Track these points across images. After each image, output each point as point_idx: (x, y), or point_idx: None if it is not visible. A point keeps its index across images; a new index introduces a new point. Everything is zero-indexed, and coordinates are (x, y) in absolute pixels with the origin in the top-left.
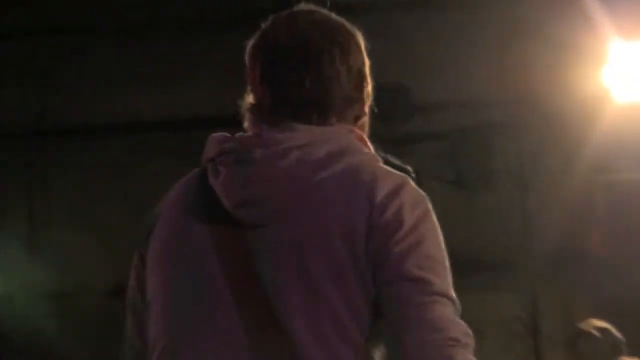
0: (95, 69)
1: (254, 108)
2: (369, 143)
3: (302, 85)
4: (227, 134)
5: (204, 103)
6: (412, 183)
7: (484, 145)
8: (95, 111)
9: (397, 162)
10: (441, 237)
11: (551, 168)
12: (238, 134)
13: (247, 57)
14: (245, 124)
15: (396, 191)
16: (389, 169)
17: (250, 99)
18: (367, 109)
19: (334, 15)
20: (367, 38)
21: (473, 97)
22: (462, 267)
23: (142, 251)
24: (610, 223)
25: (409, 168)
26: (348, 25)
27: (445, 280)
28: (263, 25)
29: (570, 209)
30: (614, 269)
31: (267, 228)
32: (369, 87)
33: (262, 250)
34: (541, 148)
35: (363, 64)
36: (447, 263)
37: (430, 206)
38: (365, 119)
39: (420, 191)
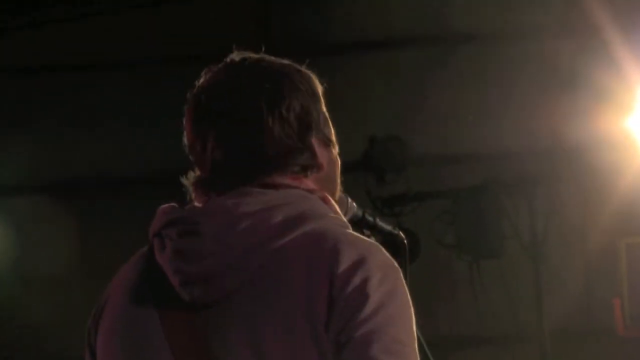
0: None
1: (198, 178)
2: (334, 204)
3: (231, 145)
4: (175, 205)
5: None
6: (382, 251)
7: (490, 205)
8: None
9: (386, 226)
10: (412, 315)
11: (567, 230)
12: (190, 205)
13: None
14: (193, 196)
15: (361, 262)
16: (357, 235)
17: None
18: (326, 160)
19: (269, 60)
20: (364, 86)
21: (479, 151)
22: (466, 343)
23: (90, 341)
24: (636, 295)
25: (400, 234)
26: (288, 69)
27: None
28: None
29: (589, 278)
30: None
31: (217, 308)
32: (330, 135)
33: (214, 334)
34: (556, 207)
35: (307, 110)
36: (414, 345)
37: (401, 278)
38: (329, 172)
39: (391, 261)
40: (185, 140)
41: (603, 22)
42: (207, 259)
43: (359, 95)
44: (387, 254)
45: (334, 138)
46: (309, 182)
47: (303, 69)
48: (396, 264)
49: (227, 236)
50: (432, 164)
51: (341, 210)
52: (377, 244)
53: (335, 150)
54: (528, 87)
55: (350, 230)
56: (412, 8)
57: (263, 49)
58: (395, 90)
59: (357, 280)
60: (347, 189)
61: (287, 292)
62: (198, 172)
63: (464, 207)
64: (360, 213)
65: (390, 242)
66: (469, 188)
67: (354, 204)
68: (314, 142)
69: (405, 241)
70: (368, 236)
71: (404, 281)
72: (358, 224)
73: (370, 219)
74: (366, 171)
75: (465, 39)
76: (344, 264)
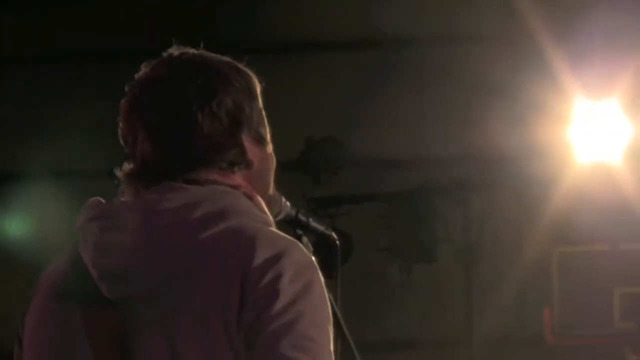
0: None
1: (128, 170)
2: (260, 201)
3: (160, 139)
4: (101, 199)
5: None
6: (301, 249)
7: (424, 210)
8: None
9: (319, 227)
10: (326, 315)
11: (500, 237)
12: (116, 199)
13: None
14: (123, 189)
15: (276, 258)
16: (276, 232)
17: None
18: (257, 158)
19: (206, 56)
20: (302, 87)
21: (415, 155)
22: (396, 345)
23: (19, 333)
24: (566, 304)
25: (333, 235)
26: (224, 65)
27: None
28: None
29: (521, 286)
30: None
31: (135, 303)
32: (265, 134)
33: (131, 330)
34: (490, 214)
35: (239, 106)
36: (328, 345)
37: (317, 277)
38: (261, 170)
39: (309, 259)
40: (119, 132)
41: (540, 31)
42: (126, 254)
43: (297, 96)
44: (306, 252)
45: (268, 136)
46: (237, 178)
47: (241, 66)
48: (314, 263)
49: (146, 232)
50: (369, 167)
51: (274, 209)
52: (296, 241)
53: (269, 148)
54: (464, 93)
55: (272, 228)
56: (351, 10)
57: (202, 45)
58: (334, 92)
59: (269, 276)
60: (283, 189)
61: (202, 288)
62: (130, 165)
63: (398, 211)
64: (293, 212)
65: (322, 243)
66: (404, 192)
67: (288, 203)
68: (245, 139)
69: (338, 242)
70: (300, 236)
71: (321, 280)
72: (291, 223)
73: (303, 218)
74: (302, 172)
75: (402, 43)
76: (258, 259)
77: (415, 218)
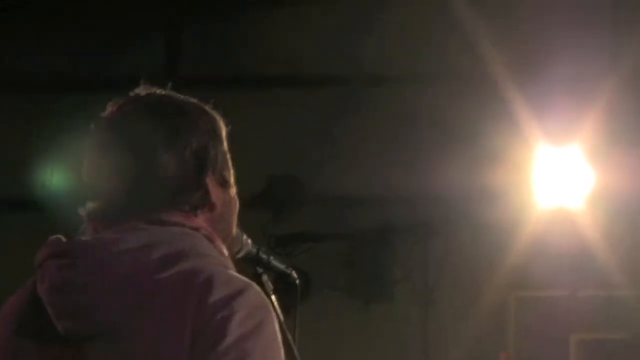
0: None
1: (91, 209)
2: (220, 243)
3: (124, 179)
4: (61, 237)
5: None
6: (256, 291)
7: (384, 250)
8: None
9: (280, 265)
10: (276, 356)
11: (459, 279)
12: (76, 238)
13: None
14: (85, 227)
15: (229, 298)
16: (233, 274)
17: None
18: (221, 200)
19: (173, 97)
20: (265, 123)
21: (377, 195)
22: None
23: None
24: (523, 349)
25: (293, 274)
26: (190, 107)
27: None
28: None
29: (478, 329)
30: None
31: (90, 342)
32: (229, 176)
33: None
34: (449, 256)
35: (204, 149)
36: None
37: (270, 319)
38: (224, 212)
39: (262, 301)
40: (83, 170)
41: (503, 77)
42: (82, 293)
43: (260, 132)
44: (261, 294)
45: (232, 179)
46: (198, 221)
47: (207, 108)
48: (268, 306)
49: (103, 272)
50: (329, 205)
51: (236, 246)
52: (254, 284)
53: (233, 191)
54: (427, 134)
55: (230, 271)
56: (317, 48)
57: (170, 85)
58: (297, 128)
59: (221, 314)
60: (243, 225)
61: (157, 329)
62: (93, 203)
63: (357, 250)
64: (254, 250)
65: (282, 281)
66: (364, 231)
67: (249, 241)
68: (209, 181)
69: (298, 281)
70: (260, 274)
71: (273, 323)
72: (252, 261)
73: (265, 257)
74: (263, 209)
75: (367, 82)
76: (213, 298)
77: (374, 257)
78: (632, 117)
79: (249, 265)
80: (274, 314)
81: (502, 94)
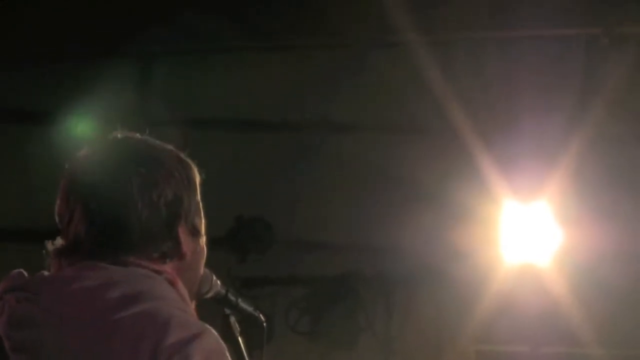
0: None
1: (59, 246)
2: (181, 287)
3: (95, 223)
4: (22, 272)
5: None
6: (213, 336)
7: (347, 297)
8: None
9: (247, 307)
10: None
11: (422, 331)
12: (39, 273)
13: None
14: (52, 263)
15: (186, 342)
16: (190, 318)
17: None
18: (190, 249)
19: (150, 143)
20: (233, 165)
21: (343, 242)
22: None
23: None
24: None
25: (261, 316)
26: (167, 155)
27: None
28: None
29: None
30: None
31: None
32: (200, 226)
33: None
34: (412, 308)
35: (179, 199)
36: None
37: None
38: (192, 261)
39: (218, 347)
40: (56, 209)
41: (469, 134)
42: (38, 328)
43: (228, 173)
44: (219, 340)
45: (203, 229)
46: (164, 266)
47: (182, 156)
48: (225, 352)
49: (60, 308)
50: (296, 249)
51: (204, 287)
52: (210, 328)
53: (203, 240)
54: (395, 186)
55: (188, 315)
56: (292, 90)
57: (147, 131)
58: (265, 170)
59: (176, 358)
60: (209, 266)
61: None
62: (61, 241)
63: (321, 296)
64: (223, 291)
65: (249, 324)
66: (329, 277)
67: (219, 282)
68: (181, 231)
69: (265, 324)
70: (228, 315)
71: None
72: (220, 302)
73: (233, 298)
74: (229, 250)
75: (336, 130)
76: (168, 342)
77: (338, 304)
78: (597, 175)
79: (217, 306)
80: (228, 358)
81: (470, 152)
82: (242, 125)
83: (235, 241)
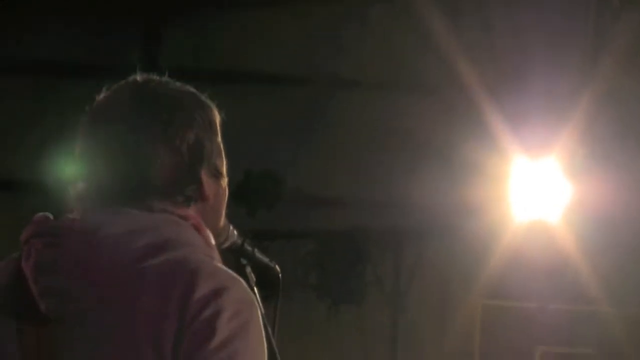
0: None
1: (80, 190)
2: (208, 234)
3: (119, 166)
4: (49, 215)
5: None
6: (242, 286)
7: (356, 252)
8: None
9: (264, 258)
10: (262, 354)
11: (430, 287)
12: (63, 217)
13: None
14: (73, 207)
15: (216, 294)
16: (219, 266)
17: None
18: (213, 191)
19: (171, 86)
20: (244, 118)
21: (353, 198)
22: None
23: None
24: (491, 356)
25: (276, 268)
26: (188, 97)
27: None
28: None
29: (444, 336)
30: None
31: (70, 324)
32: (221, 167)
33: (63, 347)
34: (421, 262)
35: (200, 142)
36: None
37: (256, 316)
38: (215, 203)
39: (249, 298)
40: (76, 150)
41: (479, 91)
42: (65, 273)
43: (240, 126)
44: (247, 290)
45: (224, 170)
46: (189, 210)
47: (203, 98)
48: (254, 301)
49: (87, 254)
50: (305, 204)
51: (222, 237)
52: (239, 278)
53: (225, 182)
54: (404, 143)
55: (216, 262)
56: (299, 46)
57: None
58: (278, 126)
59: (208, 312)
60: None
61: (139, 318)
62: (83, 185)
63: (330, 250)
64: (239, 241)
65: (264, 275)
66: (338, 232)
67: (235, 232)
68: (203, 173)
69: (280, 276)
70: (245, 265)
71: (259, 319)
72: (236, 252)
73: (249, 249)
74: (238, 204)
75: (347, 84)
76: (199, 293)
77: (347, 259)
78: (608, 130)
79: (233, 256)
80: (259, 309)
81: (478, 107)
82: (252, 78)
83: (244, 196)
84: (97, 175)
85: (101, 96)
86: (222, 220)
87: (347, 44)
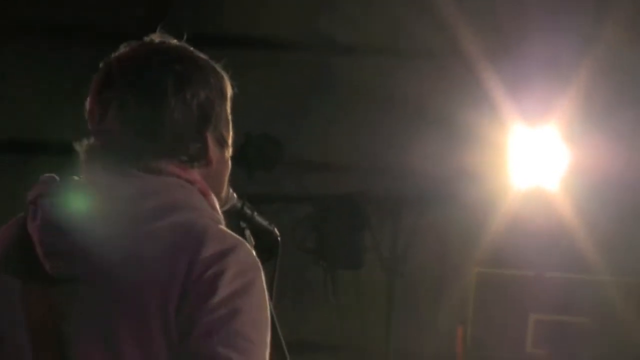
0: None
1: (89, 148)
2: (213, 199)
3: (132, 119)
4: (54, 176)
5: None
6: (247, 249)
7: (354, 217)
8: None
9: (263, 222)
10: (264, 317)
11: (426, 253)
12: (70, 177)
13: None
14: (82, 165)
15: (222, 255)
16: (225, 230)
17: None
18: (217, 158)
19: (187, 48)
20: (245, 83)
21: (352, 163)
22: (309, 349)
23: None
24: (481, 325)
25: (276, 231)
26: (203, 60)
27: None
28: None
29: (439, 302)
30: None
31: (76, 283)
32: (227, 137)
33: (68, 308)
34: (418, 229)
35: (210, 103)
36: (264, 347)
37: (259, 278)
38: (218, 170)
39: (253, 260)
40: (86, 105)
41: (478, 57)
42: (73, 234)
43: (240, 92)
44: (252, 253)
45: (230, 140)
46: (194, 174)
47: (217, 66)
48: (258, 264)
49: (97, 216)
50: (304, 169)
51: (223, 203)
52: (244, 241)
53: (229, 152)
54: (403, 109)
55: (221, 226)
56: (298, 11)
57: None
58: (277, 92)
59: (212, 271)
60: None
61: (145, 278)
62: (92, 141)
63: (329, 215)
64: (239, 205)
65: (263, 238)
66: (337, 197)
67: (235, 195)
68: (209, 136)
69: (279, 239)
70: (244, 228)
71: (263, 282)
72: (236, 215)
73: (249, 212)
74: (237, 167)
75: (350, 51)
76: (204, 254)
77: (345, 224)
78: (607, 97)
79: (233, 218)
80: (262, 272)
81: (478, 74)
82: (250, 46)
83: (243, 158)
84: (107, 130)
85: (116, 53)
86: (225, 189)
87: (347, 10)
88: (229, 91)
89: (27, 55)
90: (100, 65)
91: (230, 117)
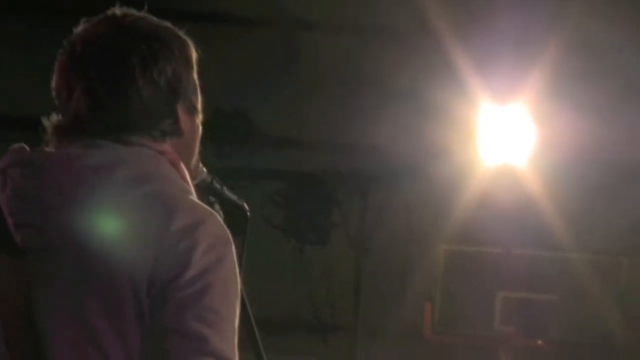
0: None
1: (58, 123)
2: (183, 169)
3: (97, 98)
4: (25, 146)
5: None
6: (217, 221)
7: (322, 193)
8: None
9: (232, 196)
10: (235, 291)
11: (393, 230)
12: (40, 148)
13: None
14: (49, 140)
15: (193, 227)
16: (196, 202)
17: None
18: (188, 127)
19: (149, 21)
20: (214, 58)
21: (320, 139)
22: (278, 325)
23: None
24: (448, 302)
25: (245, 206)
26: (166, 32)
27: (225, 338)
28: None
29: (406, 279)
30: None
31: (46, 255)
32: (197, 103)
33: (38, 280)
34: (386, 207)
35: (178, 77)
36: (234, 320)
37: (230, 251)
38: (189, 139)
39: (224, 233)
40: (52, 84)
41: (446, 35)
42: (43, 204)
43: (208, 66)
44: (223, 226)
45: (199, 106)
46: (165, 145)
47: (181, 33)
48: (229, 237)
49: (65, 186)
50: (274, 145)
51: (192, 173)
52: (215, 213)
53: (199, 118)
54: (368, 84)
55: (192, 197)
56: None
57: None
58: (247, 68)
59: (184, 244)
60: None
61: (116, 249)
62: (60, 118)
63: (297, 191)
64: (209, 179)
65: (232, 212)
66: (306, 173)
67: (205, 169)
68: (179, 108)
69: (248, 214)
70: (213, 202)
71: (233, 255)
72: (205, 189)
73: (218, 186)
74: (206, 142)
75: (317, 28)
76: (175, 226)
77: (314, 200)
78: (575, 74)
79: (202, 193)
80: (233, 245)
81: (446, 51)
82: (221, 22)
83: (213, 133)
84: (74, 110)
85: (79, 29)
86: (195, 157)
87: None
88: (194, 56)
89: None
90: (64, 43)
91: (197, 82)
